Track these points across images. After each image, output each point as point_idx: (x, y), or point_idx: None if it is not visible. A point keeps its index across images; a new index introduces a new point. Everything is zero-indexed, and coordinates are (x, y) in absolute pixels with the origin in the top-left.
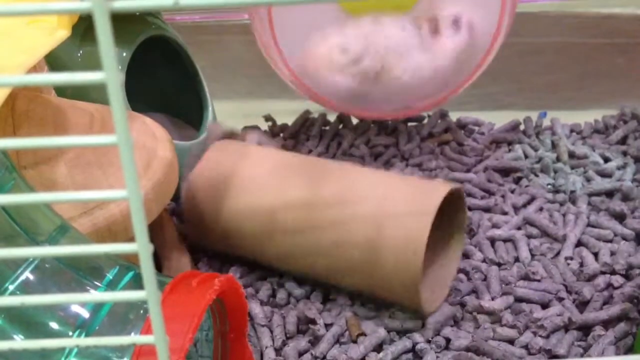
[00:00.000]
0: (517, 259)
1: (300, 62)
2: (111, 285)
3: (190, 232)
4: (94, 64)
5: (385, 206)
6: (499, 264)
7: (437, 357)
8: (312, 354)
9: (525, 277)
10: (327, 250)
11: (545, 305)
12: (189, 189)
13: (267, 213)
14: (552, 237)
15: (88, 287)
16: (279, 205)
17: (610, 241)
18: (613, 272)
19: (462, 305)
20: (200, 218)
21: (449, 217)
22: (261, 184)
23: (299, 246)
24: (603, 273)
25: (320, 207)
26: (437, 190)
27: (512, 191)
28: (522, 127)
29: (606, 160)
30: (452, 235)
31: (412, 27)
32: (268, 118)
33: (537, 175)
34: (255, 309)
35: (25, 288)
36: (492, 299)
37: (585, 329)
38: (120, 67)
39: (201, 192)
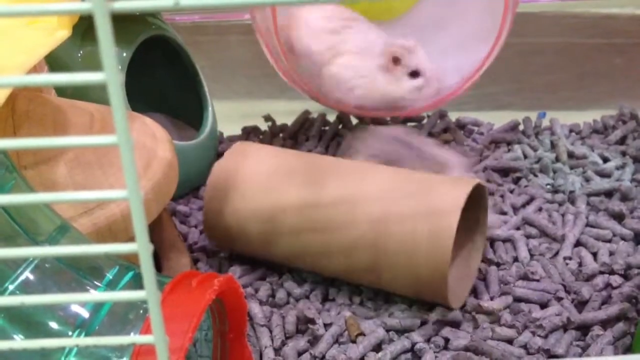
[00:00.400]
0: (516, 259)
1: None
2: (111, 285)
3: (209, 232)
4: (95, 64)
5: (413, 204)
6: (497, 264)
7: (436, 356)
8: (311, 354)
9: (524, 277)
10: (364, 248)
11: (544, 305)
12: (207, 192)
13: (270, 219)
14: (551, 237)
15: (88, 287)
16: (283, 211)
17: (609, 241)
18: (612, 272)
19: (461, 305)
20: (215, 219)
21: (472, 214)
22: (265, 190)
23: (304, 249)
24: (602, 273)
25: (362, 203)
26: (465, 185)
27: (511, 191)
28: (521, 127)
29: (605, 160)
30: (476, 229)
31: (381, 43)
32: (268, 118)
33: (536, 176)
34: (255, 308)
35: (25, 288)
36: (491, 298)
37: (584, 329)
38: (120, 67)
39: (216, 195)
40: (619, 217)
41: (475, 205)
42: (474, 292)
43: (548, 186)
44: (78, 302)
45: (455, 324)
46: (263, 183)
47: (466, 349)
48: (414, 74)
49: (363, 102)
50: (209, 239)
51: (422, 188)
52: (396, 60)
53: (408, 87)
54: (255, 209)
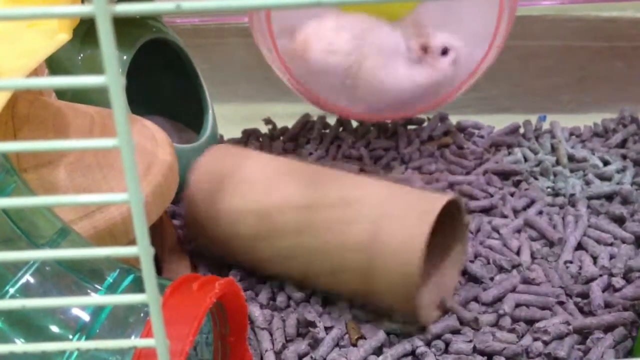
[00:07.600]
0: (517, 263)
1: (292, 41)
2: (111, 288)
3: (190, 235)
4: (95, 67)
5: (384, 212)
6: (498, 268)
7: None
8: (312, 357)
9: (525, 281)
10: (323, 257)
11: (545, 309)
12: (189, 192)
13: (262, 218)
14: (552, 241)
15: (88, 290)
16: (275, 209)
17: (610, 244)
18: (612, 276)
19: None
20: (199, 222)
21: (449, 229)
22: (257, 188)
23: (294, 251)
24: (602, 276)
25: (320, 212)
26: (436, 198)
27: (512, 194)
28: (521, 131)
29: (605, 163)
30: (452, 247)
31: (402, 40)
32: (268, 121)
33: (536, 179)
34: (255, 312)
35: (26, 291)
36: (492, 303)
37: (585, 332)
38: (120, 71)
39: (199, 195)
40: (619, 221)
41: (454, 219)
42: (475, 295)
43: (548, 189)
44: (79, 305)
45: (456, 329)
46: (254, 185)
47: (467, 353)
48: (444, 51)
49: (400, 100)
50: (192, 238)
51: (412, 197)
52: (425, 48)
53: (447, 64)
54: (245, 210)
